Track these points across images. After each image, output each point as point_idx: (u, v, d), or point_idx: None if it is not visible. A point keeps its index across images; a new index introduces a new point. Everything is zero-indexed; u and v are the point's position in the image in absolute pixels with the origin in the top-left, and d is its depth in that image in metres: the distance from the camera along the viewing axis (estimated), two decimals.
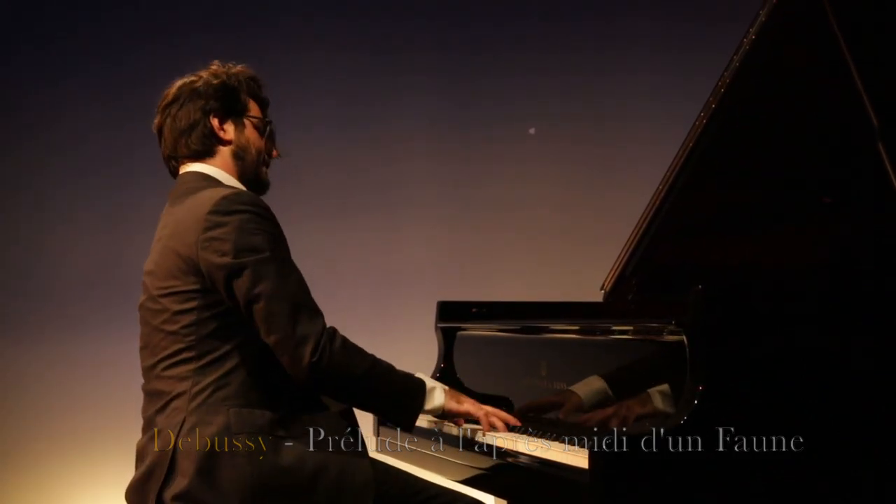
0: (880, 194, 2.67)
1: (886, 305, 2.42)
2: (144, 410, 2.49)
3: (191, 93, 2.55)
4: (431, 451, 2.84)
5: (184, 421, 2.36)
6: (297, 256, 2.46)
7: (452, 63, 5.25)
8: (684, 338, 2.28)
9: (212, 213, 2.37)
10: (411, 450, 2.96)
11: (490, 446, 2.58)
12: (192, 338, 2.39)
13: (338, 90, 5.25)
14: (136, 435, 2.50)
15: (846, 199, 2.94)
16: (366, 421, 2.72)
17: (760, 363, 2.28)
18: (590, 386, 2.64)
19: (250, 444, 2.34)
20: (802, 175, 3.03)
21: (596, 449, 2.15)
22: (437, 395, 2.53)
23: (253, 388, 2.39)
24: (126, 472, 2.50)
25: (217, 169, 2.55)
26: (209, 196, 2.41)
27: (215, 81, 2.56)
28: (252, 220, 2.37)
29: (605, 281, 3.31)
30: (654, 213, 3.17)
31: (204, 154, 2.56)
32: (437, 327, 3.27)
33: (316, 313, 2.39)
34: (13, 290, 5.11)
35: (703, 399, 2.20)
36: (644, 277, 3.25)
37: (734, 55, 2.92)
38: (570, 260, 5.07)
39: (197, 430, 2.35)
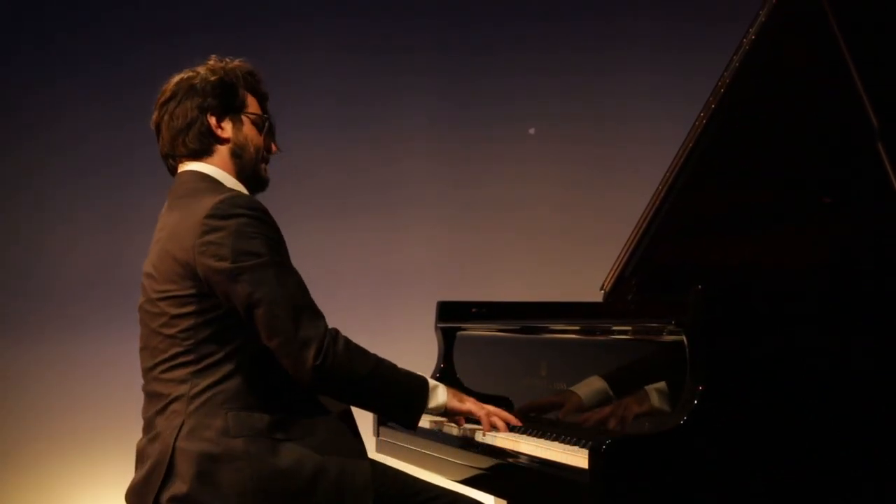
0: (880, 194, 2.67)
1: (886, 305, 2.42)
2: (145, 411, 2.49)
3: (188, 89, 2.53)
4: (431, 451, 2.84)
5: (182, 424, 2.36)
6: (296, 257, 2.46)
7: (452, 63, 5.25)
8: (684, 338, 2.28)
9: (209, 217, 2.36)
10: (411, 450, 2.96)
11: (490, 446, 2.59)
12: (190, 341, 2.39)
13: (338, 90, 5.25)
14: (136, 435, 2.50)
15: (846, 199, 2.94)
16: (366, 422, 2.72)
17: (760, 363, 2.28)
18: (590, 386, 2.64)
19: (249, 447, 2.33)
20: (802, 175, 3.03)
21: (596, 449, 2.15)
22: (440, 394, 2.53)
23: (251, 391, 2.38)
24: (126, 473, 2.50)
25: (215, 168, 2.53)
26: (206, 199, 2.40)
27: (213, 78, 2.53)
28: (250, 223, 2.36)
29: (605, 281, 3.31)
30: (653, 213, 3.17)
31: (202, 153, 2.54)
32: (437, 327, 3.27)
33: (317, 315, 2.38)
34: (13, 290, 5.11)
35: (703, 399, 2.20)
36: (644, 277, 3.25)
37: (734, 55, 2.91)
38: (570, 260, 5.07)
39: (195, 433, 2.34)
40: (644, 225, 3.20)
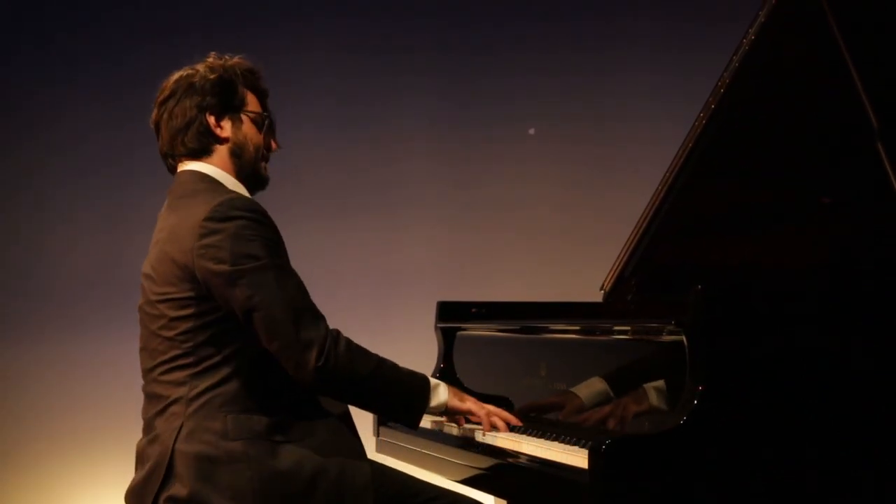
0: (880, 194, 2.67)
1: (886, 305, 2.42)
2: (145, 412, 2.49)
3: (187, 88, 2.51)
4: (431, 451, 2.84)
5: (181, 426, 2.36)
6: (296, 257, 2.46)
7: (452, 63, 5.25)
8: (684, 338, 2.28)
9: (207, 219, 2.35)
10: (411, 450, 2.96)
11: (490, 446, 2.59)
12: (189, 344, 2.39)
13: (338, 90, 5.25)
14: (136, 435, 2.50)
15: (846, 200, 2.94)
16: (365, 422, 2.73)
17: (760, 363, 2.28)
18: (591, 388, 2.63)
19: (248, 449, 2.33)
20: (802, 175, 3.02)
21: (596, 449, 2.15)
22: (441, 392, 2.53)
23: (250, 393, 2.38)
24: (126, 473, 2.50)
25: (215, 168, 2.52)
26: (205, 202, 2.39)
27: (212, 76, 2.52)
28: (248, 226, 2.35)
29: (605, 281, 3.31)
30: (653, 213, 3.16)
31: (201, 153, 2.53)
32: (436, 327, 3.27)
33: (318, 317, 2.38)
34: (13, 290, 5.10)
35: (702, 399, 2.20)
36: (644, 277, 3.25)
37: (733, 55, 2.91)
38: (570, 260, 5.07)
39: (194, 435, 2.34)
40: (644, 225, 3.20)
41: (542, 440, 2.47)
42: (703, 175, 3.09)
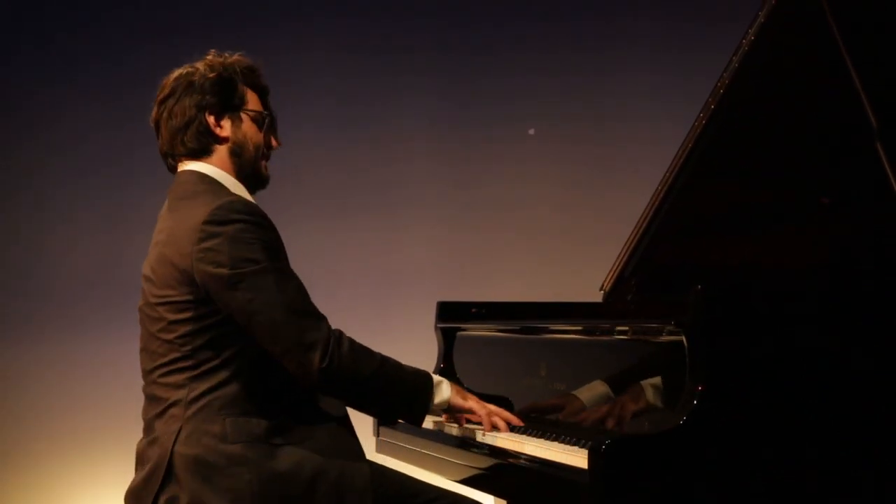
0: (880, 194, 2.67)
1: (886, 305, 2.42)
2: (145, 413, 2.49)
3: (187, 86, 2.50)
4: (431, 451, 2.84)
5: (180, 429, 2.36)
6: (296, 257, 2.46)
7: (452, 63, 5.25)
8: (684, 338, 2.28)
9: (206, 223, 2.35)
10: (411, 450, 2.96)
11: (490, 446, 2.59)
12: (188, 347, 2.38)
13: (338, 90, 5.25)
14: (136, 435, 2.50)
15: (846, 200, 2.94)
16: (365, 422, 2.72)
17: (760, 363, 2.28)
18: (593, 391, 2.63)
19: (247, 452, 2.33)
20: (802, 175, 3.02)
21: (595, 449, 2.15)
22: (444, 389, 2.53)
23: (249, 396, 2.38)
24: (126, 473, 2.50)
25: (215, 168, 2.52)
26: (204, 204, 2.38)
27: (211, 75, 2.51)
28: (248, 229, 2.35)
29: (605, 281, 3.31)
30: (653, 213, 3.17)
31: (200, 153, 2.52)
32: (436, 327, 3.27)
33: (319, 318, 2.38)
34: (13, 290, 5.10)
35: (702, 399, 2.20)
36: (644, 277, 3.25)
37: (733, 56, 2.91)
38: (570, 260, 5.07)
39: (193, 438, 2.34)
40: (644, 225, 3.20)
41: (541, 440, 2.48)
42: (703, 175, 3.09)
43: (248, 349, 2.37)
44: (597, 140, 5.20)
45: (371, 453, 2.67)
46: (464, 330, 3.22)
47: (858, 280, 2.83)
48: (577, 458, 2.27)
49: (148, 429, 2.46)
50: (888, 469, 2.33)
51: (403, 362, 2.50)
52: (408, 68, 5.24)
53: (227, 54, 2.57)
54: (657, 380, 2.43)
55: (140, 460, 2.46)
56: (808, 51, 2.87)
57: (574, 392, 2.67)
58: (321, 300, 2.43)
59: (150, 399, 2.47)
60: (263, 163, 2.60)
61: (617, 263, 3.28)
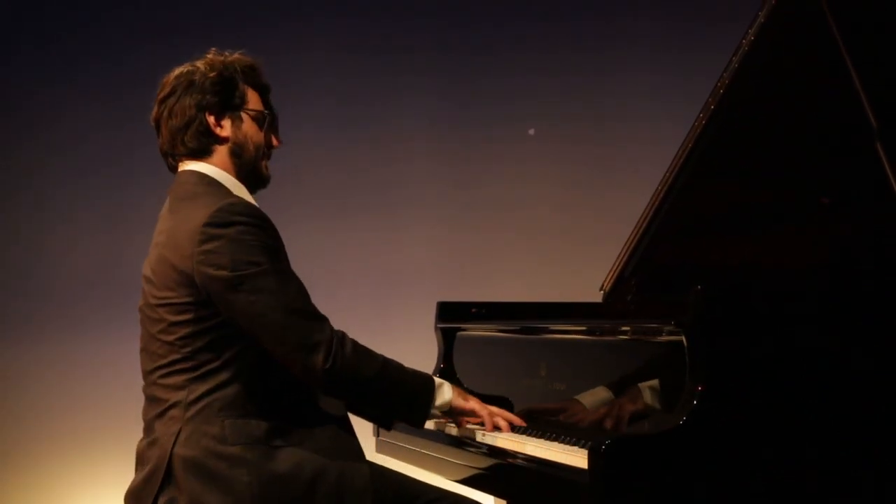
0: (880, 194, 2.67)
1: (886, 305, 2.42)
2: (145, 413, 2.49)
3: (187, 85, 2.49)
4: (431, 451, 2.84)
5: (180, 430, 2.36)
6: (296, 257, 2.45)
7: (452, 63, 5.25)
8: (684, 338, 2.28)
9: (207, 225, 2.34)
10: (411, 450, 2.96)
11: (490, 446, 2.58)
12: (188, 349, 2.38)
13: (338, 90, 5.25)
14: (136, 435, 2.50)
15: (846, 200, 2.94)
16: (365, 422, 2.72)
17: (760, 363, 2.27)
18: (596, 396, 2.62)
19: (246, 454, 2.33)
20: (802, 175, 3.02)
21: (595, 449, 2.15)
22: (446, 391, 2.53)
23: (248, 398, 2.38)
24: (126, 473, 2.50)
25: (215, 168, 2.51)
26: (205, 205, 2.38)
27: (211, 74, 2.50)
28: (248, 231, 2.34)
29: (605, 281, 3.31)
30: (653, 213, 3.16)
31: (201, 153, 2.51)
32: (436, 327, 3.27)
33: (321, 319, 2.38)
34: (13, 290, 5.11)
35: (702, 399, 2.20)
36: (644, 278, 3.25)
37: (733, 56, 2.91)
38: (570, 260, 5.07)
39: (193, 440, 2.34)
40: (644, 225, 3.19)
41: (541, 440, 2.47)
42: (703, 175, 3.09)
43: (248, 351, 2.37)
44: (597, 140, 5.20)
45: (371, 454, 2.66)
46: (464, 330, 3.22)
47: (858, 280, 2.83)
48: (577, 458, 2.27)
49: (148, 429, 2.46)
50: (888, 469, 2.32)
51: (403, 362, 2.50)
52: (408, 68, 5.24)
53: (227, 53, 2.56)
54: (657, 380, 2.43)
55: (140, 461, 2.46)
56: (808, 51, 2.87)
57: (577, 397, 2.67)
58: (321, 300, 2.43)
59: (151, 400, 2.47)
60: (264, 162, 2.59)
61: (617, 263, 3.28)
